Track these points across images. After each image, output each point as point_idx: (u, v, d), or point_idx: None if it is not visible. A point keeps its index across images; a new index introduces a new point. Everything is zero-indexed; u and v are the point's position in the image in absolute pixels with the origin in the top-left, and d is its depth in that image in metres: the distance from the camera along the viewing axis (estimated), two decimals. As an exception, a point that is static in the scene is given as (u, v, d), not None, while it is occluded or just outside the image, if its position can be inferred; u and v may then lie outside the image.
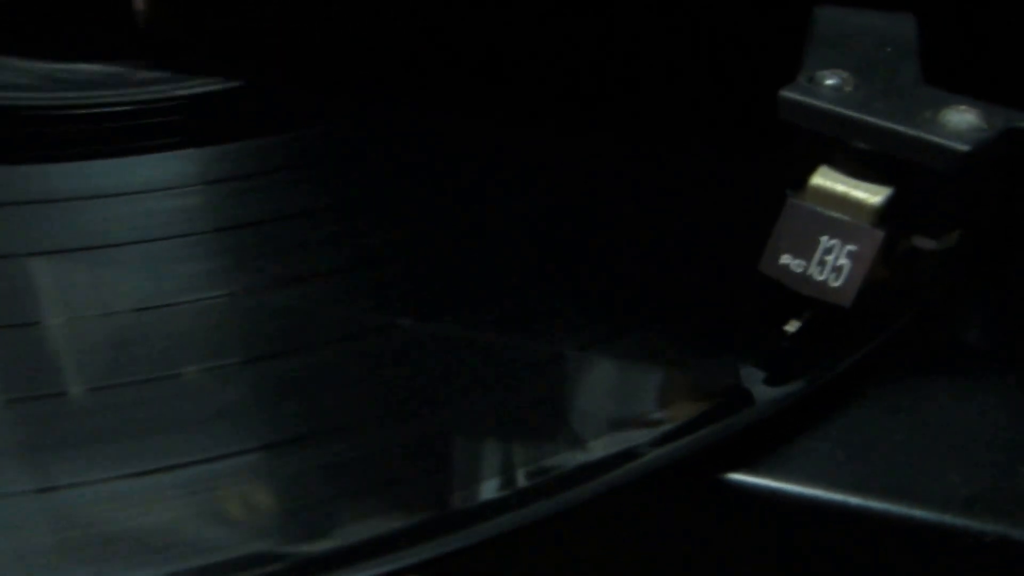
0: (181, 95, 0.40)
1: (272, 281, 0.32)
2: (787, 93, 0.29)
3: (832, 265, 0.29)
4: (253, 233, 0.34)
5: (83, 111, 0.39)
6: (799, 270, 0.29)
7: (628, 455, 0.27)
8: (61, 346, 0.30)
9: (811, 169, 0.29)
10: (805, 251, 0.29)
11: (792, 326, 0.30)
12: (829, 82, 0.29)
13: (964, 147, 0.27)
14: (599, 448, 0.28)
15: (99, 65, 0.42)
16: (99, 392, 0.28)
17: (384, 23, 0.45)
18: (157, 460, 0.26)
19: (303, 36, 0.44)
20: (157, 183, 0.36)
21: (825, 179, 0.29)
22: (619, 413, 0.29)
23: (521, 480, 0.27)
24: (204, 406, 0.28)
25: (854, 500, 0.28)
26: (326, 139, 0.39)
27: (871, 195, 0.29)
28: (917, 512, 0.28)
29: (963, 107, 0.28)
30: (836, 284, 0.29)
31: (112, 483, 0.26)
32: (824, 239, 0.29)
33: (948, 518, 0.27)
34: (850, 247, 0.29)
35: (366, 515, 0.26)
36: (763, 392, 0.29)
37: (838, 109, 0.28)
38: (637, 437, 0.28)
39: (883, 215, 0.28)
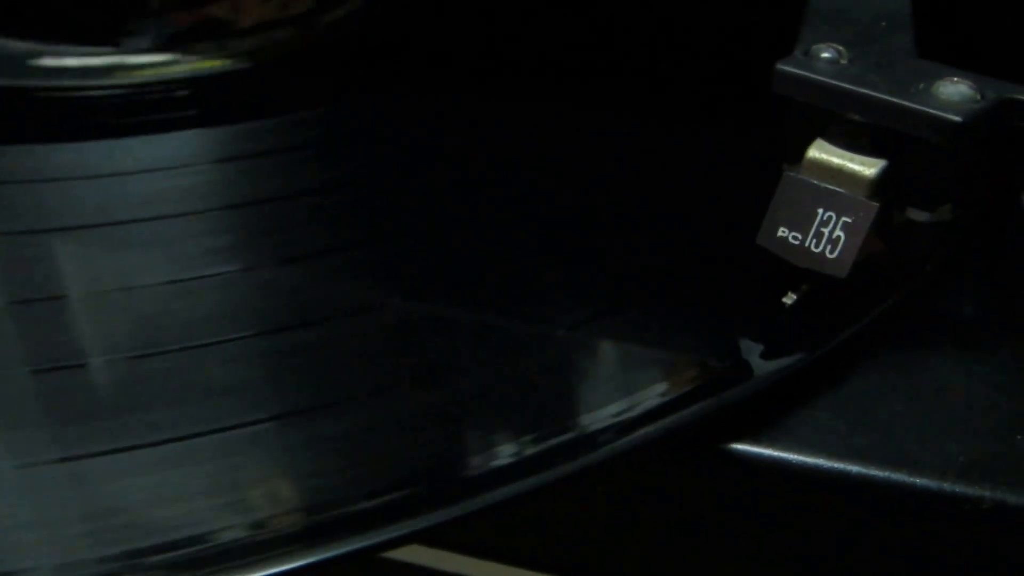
0: (193, 76, 0.41)
1: (282, 257, 0.33)
2: (783, 66, 0.29)
3: (828, 237, 0.29)
4: (263, 210, 0.34)
5: (99, 92, 0.40)
6: (796, 242, 0.29)
7: (631, 427, 0.27)
8: (80, 320, 0.31)
9: (807, 142, 0.29)
10: (802, 223, 0.29)
11: (789, 298, 0.30)
12: (825, 55, 0.29)
13: (956, 118, 0.27)
14: (600, 420, 0.28)
15: (114, 46, 0.42)
16: (117, 364, 0.29)
17: (390, 5, 0.45)
18: (173, 431, 0.27)
19: (311, 17, 0.44)
20: (170, 162, 0.36)
21: (821, 152, 0.29)
22: (619, 387, 0.29)
23: (519, 452, 0.27)
24: (217, 379, 0.29)
25: (855, 468, 0.28)
26: (333, 120, 0.39)
27: (866, 167, 0.29)
28: (917, 479, 0.28)
29: (956, 79, 0.28)
30: (832, 256, 0.29)
31: (130, 453, 0.26)
32: (820, 211, 0.29)
33: (947, 485, 0.28)
34: (846, 219, 0.29)
35: (370, 485, 0.26)
36: (762, 364, 0.29)
37: (833, 82, 0.29)
38: (639, 409, 0.28)
39: (878, 187, 0.29)
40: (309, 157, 0.37)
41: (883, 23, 0.32)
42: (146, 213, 0.34)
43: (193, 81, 0.41)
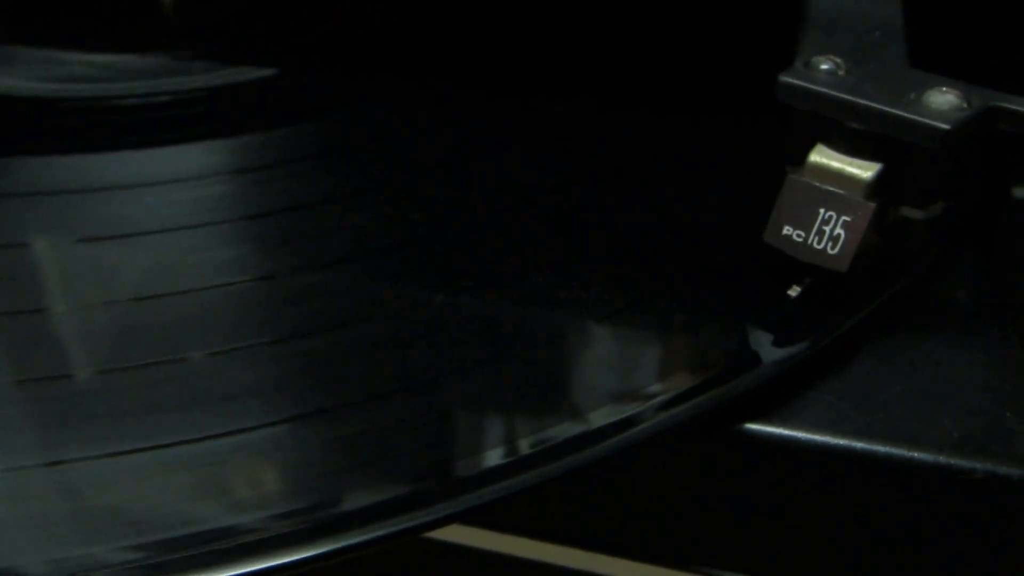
0: (208, 86, 0.40)
1: (297, 266, 0.32)
2: (785, 78, 0.30)
3: (829, 235, 0.30)
4: (279, 220, 0.34)
5: (112, 102, 0.40)
6: (799, 240, 0.30)
7: (653, 413, 0.28)
8: (98, 328, 0.30)
9: (808, 147, 0.30)
10: (805, 222, 0.30)
11: (795, 291, 0.31)
12: (824, 67, 0.30)
13: (945, 126, 0.28)
14: (623, 408, 0.28)
15: (127, 55, 0.41)
16: (127, 372, 0.29)
17: (407, 12, 0.44)
18: (172, 435, 0.27)
19: (327, 24, 0.44)
20: (186, 173, 0.36)
21: (821, 156, 0.30)
22: (640, 377, 0.30)
23: (551, 438, 0.27)
24: (227, 384, 0.28)
25: (858, 445, 0.29)
26: (350, 127, 0.39)
27: (863, 170, 0.29)
28: (915, 454, 0.28)
29: (944, 88, 0.29)
30: (833, 252, 0.30)
31: (125, 457, 0.26)
32: (821, 211, 0.30)
33: (942, 458, 0.28)
34: (845, 218, 0.29)
35: (374, 483, 0.26)
36: (772, 352, 0.30)
37: (832, 92, 0.29)
38: (661, 397, 0.29)
39: (874, 188, 0.29)
40: (321, 166, 0.37)
41: (877, 33, 0.32)
42: (163, 224, 0.34)
43: (210, 91, 0.40)
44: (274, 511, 0.26)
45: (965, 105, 0.29)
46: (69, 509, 0.25)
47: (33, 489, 0.26)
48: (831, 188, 0.30)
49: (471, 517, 0.30)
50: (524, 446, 0.28)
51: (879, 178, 0.30)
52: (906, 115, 0.29)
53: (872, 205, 0.29)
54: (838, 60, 0.30)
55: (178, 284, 0.32)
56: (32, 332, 0.30)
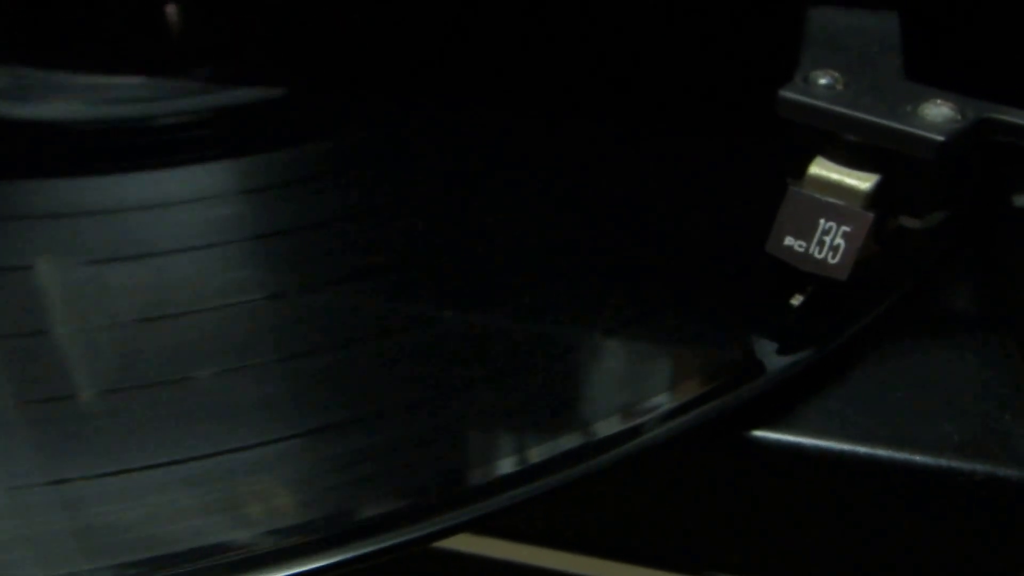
0: (216, 107, 0.40)
1: (306, 284, 0.33)
2: (785, 93, 0.30)
3: (830, 244, 0.30)
4: (287, 240, 0.34)
5: (120, 125, 0.40)
6: (801, 250, 0.30)
7: (663, 421, 0.28)
8: (105, 348, 0.31)
9: (808, 160, 0.30)
10: (805, 233, 0.30)
11: (797, 300, 0.31)
12: (822, 81, 0.30)
13: (939, 138, 0.28)
14: (635, 416, 0.29)
15: (134, 78, 0.42)
16: (134, 392, 0.29)
17: (412, 32, 0.45)
18: (179, 453, 0.27)
19: (335, 44, 0.44)
20: (194, 194, 0.36)
21: (821, 168, 0.30)
22: (647, 387, 0.30)
23: (563, 447, 0.28)
24: (236, 402, 0.29)
25: (862, 449, 0.29)
26: (357, 146, 0.39)
27: (862, 182, 0.30)
28: (917, 457, 0.29)
29: (939, 100, 0.29)
30: (834, 261, 0.30)
31: (131, 474, 0.26)
32: (822, 222, 0.30)
33: (943, 461, 0.29)
34: (845, 228, 0.30)
35: (382, 496, 0.26)
36: (776, 360, 0.30)
37: (831, 107, 0.30)
38: (670, 405, 0.29)
39: (873, 199, 0.30)
40: (329, 186, 0.37)
41: (875, 47, 0.32)
42: (173, 245, 0.34)
43: (219, 112, 0.40)
44: (282, 524, 0.26)
45: (959, 117, 0.29)
46: (74, 527, 0.25)
47: (38, 507, 0.26)
48: (831, 199, 0.30)
49: (481, 525, 0.30)
50: (534, 456, 0.28)
51: (877, 189, 0.30)
52: (901, 127, 0.29)
53: (871, 215, 0.30)
54: (836, 74, 0.31)
55: (187, 304, 0.32)
56: (39, 353, 0.31)
